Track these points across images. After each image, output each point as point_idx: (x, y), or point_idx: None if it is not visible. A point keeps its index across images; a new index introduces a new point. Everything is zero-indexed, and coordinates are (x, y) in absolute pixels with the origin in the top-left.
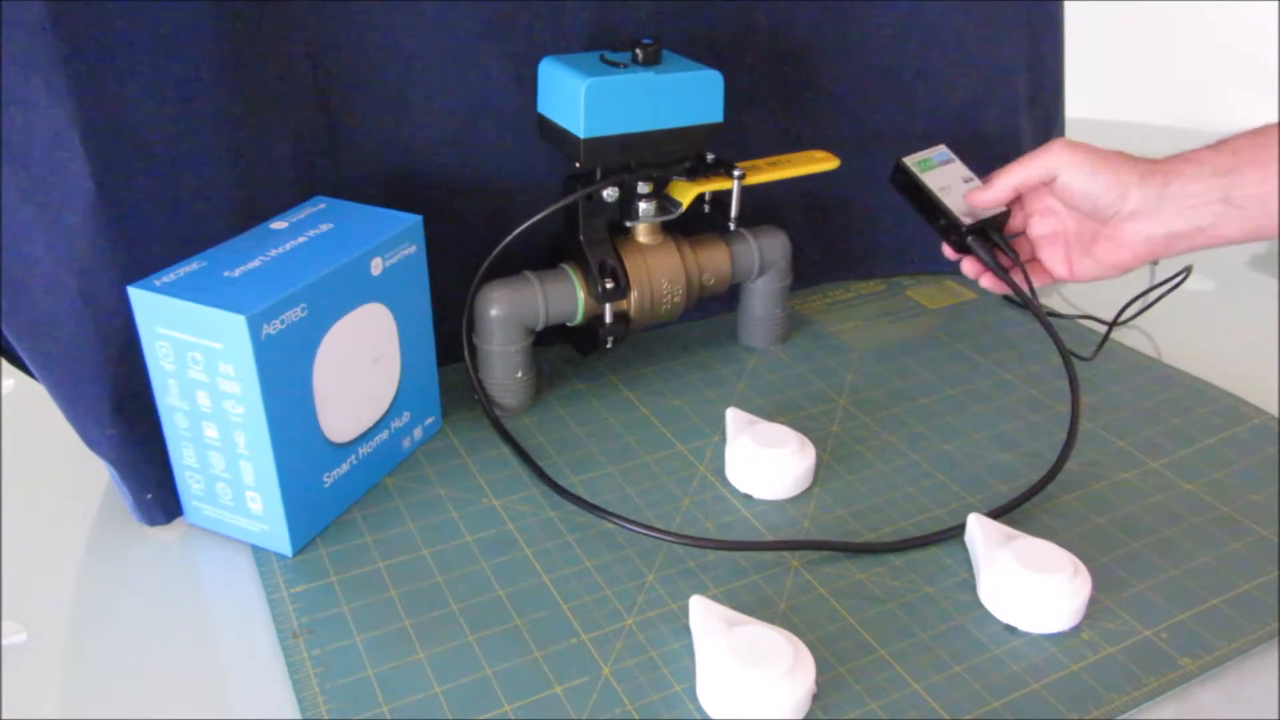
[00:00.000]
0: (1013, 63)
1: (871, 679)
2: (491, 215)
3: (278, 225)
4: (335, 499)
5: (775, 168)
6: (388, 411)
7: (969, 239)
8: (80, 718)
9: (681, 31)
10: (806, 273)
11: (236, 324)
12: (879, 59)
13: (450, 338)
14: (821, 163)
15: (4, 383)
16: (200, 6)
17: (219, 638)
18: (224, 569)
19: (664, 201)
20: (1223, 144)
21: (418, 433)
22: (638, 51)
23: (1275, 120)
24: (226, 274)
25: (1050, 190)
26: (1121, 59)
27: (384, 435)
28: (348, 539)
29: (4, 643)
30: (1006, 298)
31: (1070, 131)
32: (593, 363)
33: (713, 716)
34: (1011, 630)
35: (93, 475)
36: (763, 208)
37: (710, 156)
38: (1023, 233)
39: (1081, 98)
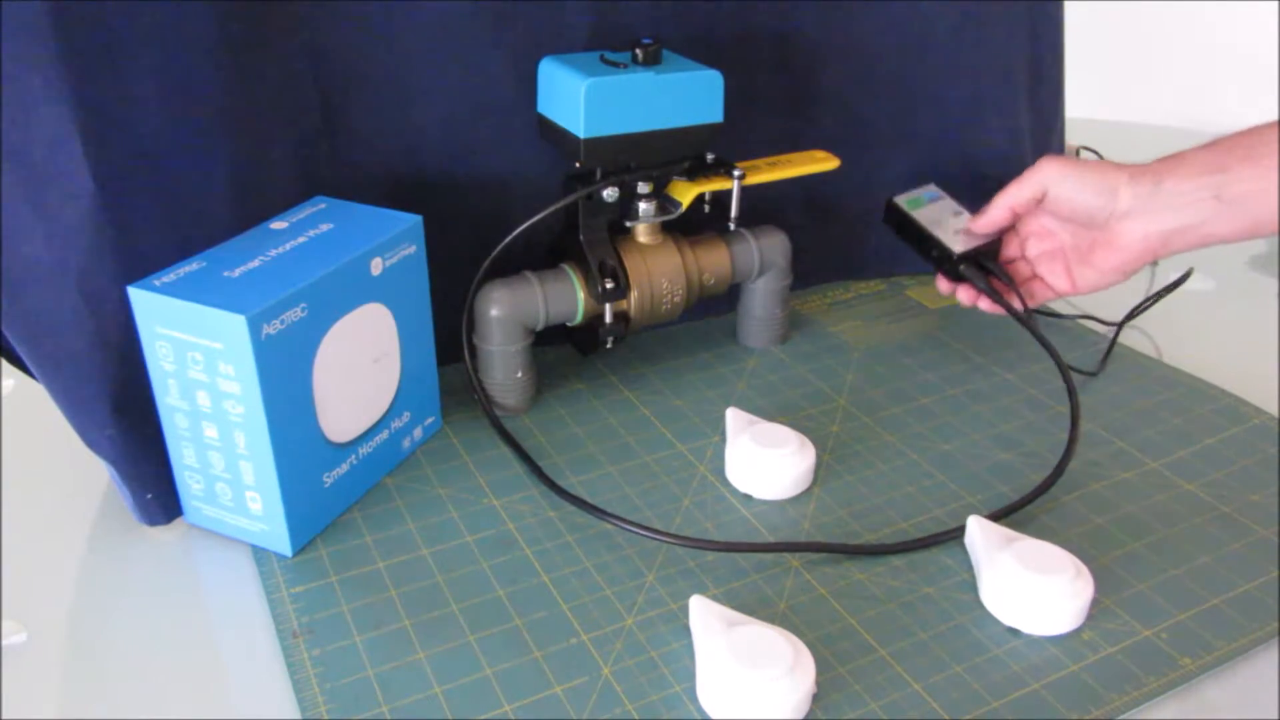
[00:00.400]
0: (1013, 63)
1: (871, 679)
2: (491, 215)
3: (278, 225)
4: (335, 499)
5: (775, 168)
6: (388, 411)
7: (961, 266)
8: (80, 718)
9: (681, 31)
10: (806, 273)
11: (236, 324)
12: (879, 59)
13: (450, 338)
14: (821, 163)
15: (4, 383)
16: (200, 6)
17: (219, 638)
18: (224, 569)
19: (664, 201)
20: (1214, 143)
21: (418, 433)
22: (638, 51)
23: (1272, 120)
24: (226, 274)
25: (1043, 207)
26: (1121, 59)
27: (384, 435)
28: (348, 539)
29: (4, 643)
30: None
31: (1070, 131)
32: (593, 363)
33: (713, 716)
34: (1014, 632)
35: (93, 475)
36: (763, 208)
37: (710, 156)
38: (1021, 256)
39: (1081, 98)
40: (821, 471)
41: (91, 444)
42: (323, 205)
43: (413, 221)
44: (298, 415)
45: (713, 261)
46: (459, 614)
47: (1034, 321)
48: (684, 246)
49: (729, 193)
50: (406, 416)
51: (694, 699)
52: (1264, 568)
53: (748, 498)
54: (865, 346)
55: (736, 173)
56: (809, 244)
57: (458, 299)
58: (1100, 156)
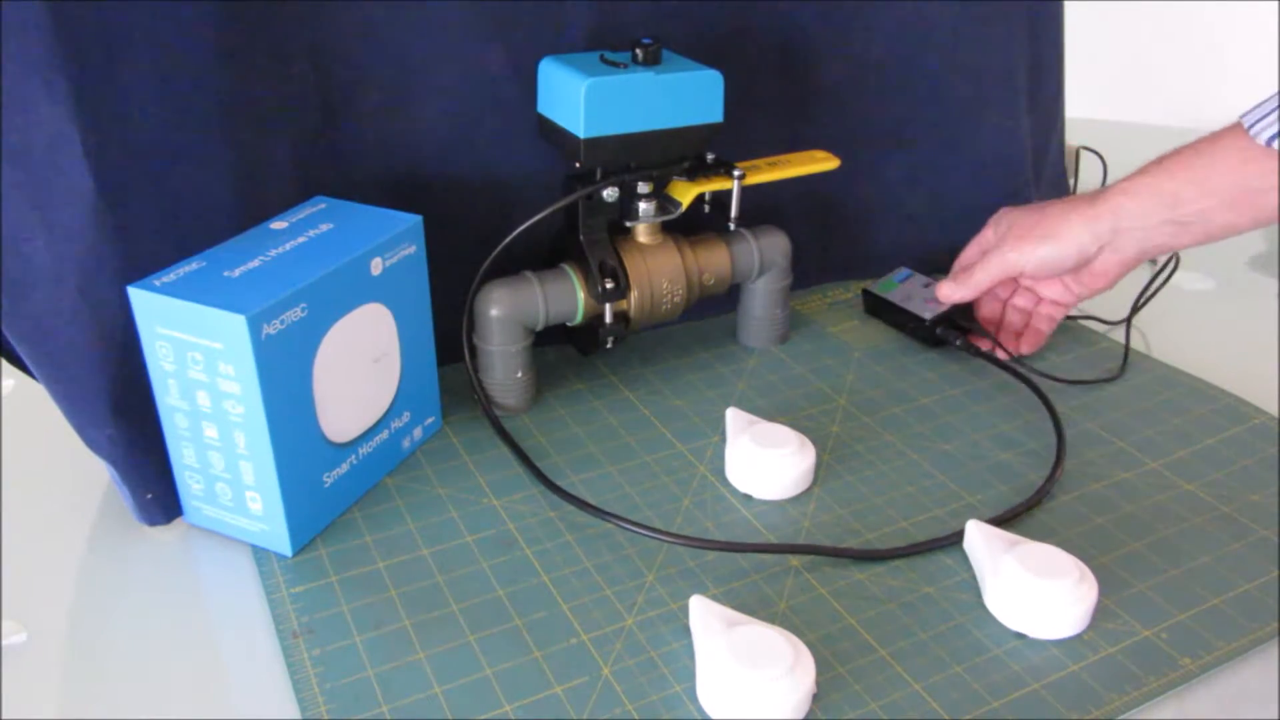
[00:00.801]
0: (1013, 63)
1: (871, 679)
2: (491, 215)
3: (278, 225)
4: (335, 499)
5: (775, 168)
6: (388, 411)
7: (938, 330)
8: (80, 718)
9: (681, 31)
10: (806, 273)
11: (236, 324)
12: (879, 59)
13: (450, 338)
14: (821, 163)
15: (4, 383)
16: (200, 7)
17: (219, 638)
18: (224, 569)
19: (664, 201)
20: (1158, 166)
21: (418, 433)
22: (638, 51)
23: (1208, 132)
24: (226, 274)
25: (1018, 282)
26: (1121, 59)
27: (384, 435)
28: (348, 539)
29: (4, 643)
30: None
31: (1070, 131)
32: (593, 363)
33: (713, 716)
34: (1020, 637)
35: (93, 475)
36: (763, 208)
37: (710, 156)
38: (1006, 306)
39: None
40: (821, 471)
41: (91, 444)
42: (323, 205)
43: (413, 221)
44: (298, 415)
45: (713, 261)
46: (459, 614)
47: (1024, 369)
48: (684, 246)
49: (729, 193)
50: (406, 416)
51: (694, 699)
52: (1264, 568)
53: (748, 498)
54: (865, 346)
55: (736, 173)
56: (809, 244)
57: (458, 299)
58: (1100, 156)
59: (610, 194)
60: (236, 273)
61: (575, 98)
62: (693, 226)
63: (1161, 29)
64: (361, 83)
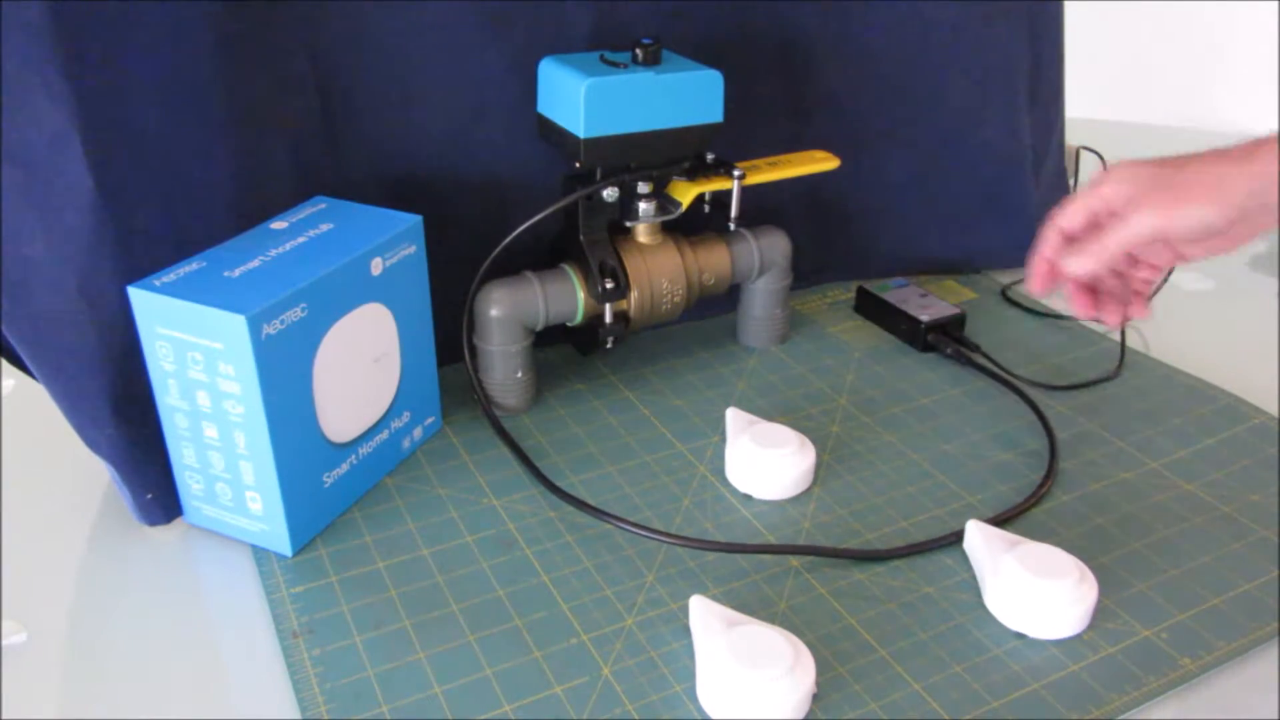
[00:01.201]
0: (1013, 63)
1: (871, 679)
2: (491, 215)
3: (278, 225)
4: (335, 499)
5: (775, 168)
6: (388, 411)
7: (929, 335)
8: (80, 718)
9: (681, 31)
10: (806, 273)
11: (236, 324)
12: (879, 59)
13: (450, 338)
14: (821, 163)
15: (4, 383)
16: (200, 7)
17: (219, 638)
18: (224, 569)
19: (664, 201)
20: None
21: (418, 433)
22: (638, 51)
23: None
24: (226, 274)
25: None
26: (1121, 59)
27: (384, 435)
28: (348, 539)
29: (4, 643)
30: (1004, 297)
31: (1070, 131)
32: (593, 363)
33: (713, 716)
34: (1020, 637)
35: (93, 475)
36: (763, 208)
37: (710, 156)
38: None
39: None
40: (821, 471)
41: (91, 444)
42: (323, 205)
43: (413, 221)
44: (298, 415)
45: (713, 261)
46: (459, 614)
47: (1008, 375)
48: (684, 246)
49: (729, 193)
50: (406, 416)
51: (694, 699)
52: (1264, 568)
53: (748, 498)
54: (865, 346)
55: (736, 173)
56: (809, 244)
57: (458, 299)
58: (1100, 156)
59: (610, 194)
60: (236, 273)
61: (575, 98)
62: (693, 226)
63: (1161, 29)
64: (361, 83)
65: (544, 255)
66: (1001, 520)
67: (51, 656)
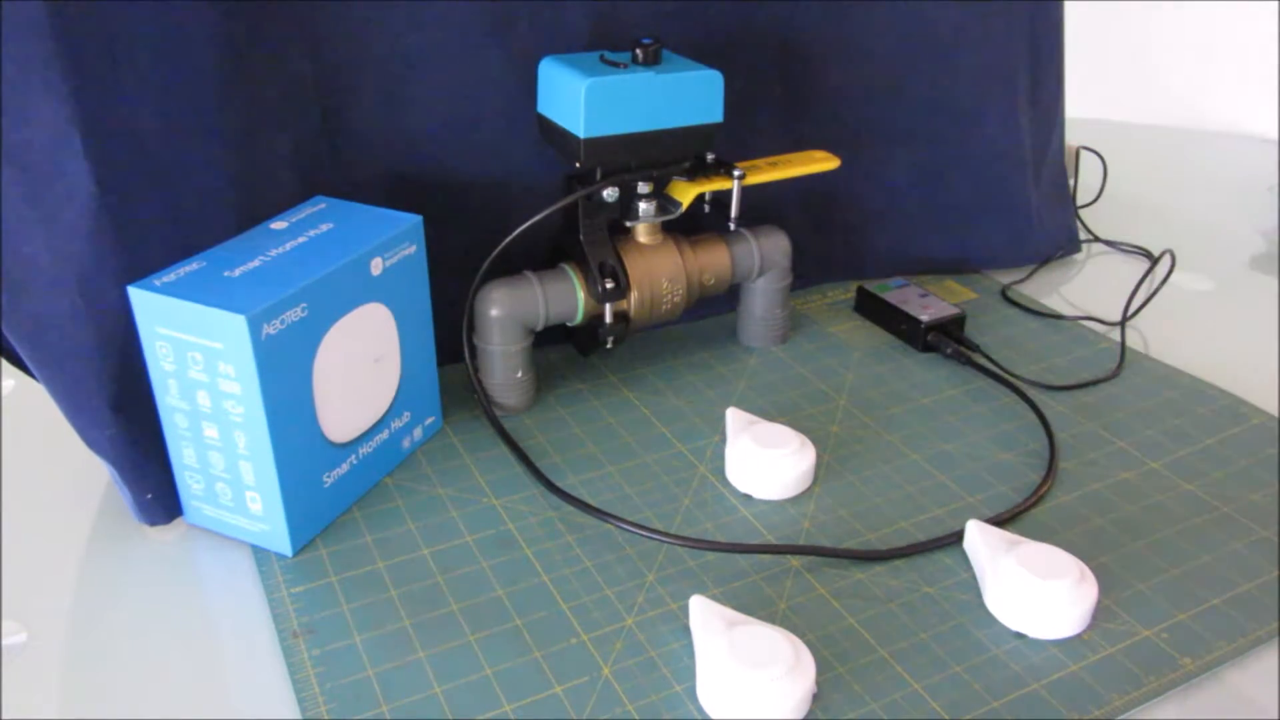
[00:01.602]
0: (1013, 63)
1: (871, 679)
2: (491, 215)
3: (278, 225)
4: (335, 499)
5: (775, 168)
6: (388, 411)
7: (929, 335)
8: (80, 718)
9: (681, 31)
10: (806, 273)
11: (236, 324)
12: (879, 59)
13: (450, 338)
14: (821, 163)
15: (4, 383)
16: (200, 6)
17: (219, 638)
18: (224, 569)
19: (664, 201)
20: None
21: (418, 433)
22: (638, 51)
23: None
24: (226, 274)
25: None
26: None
27: (384, 435)
28: (348, 539)
29: (4, 643)
30: (1004, 297)
31: (1070, 131)
32: (593, 363)
33: (713, 716)
34: (1020, 637)
35: (93, 475)
36: (763, 208)
37: (710, 156)
38: None
39: (1081, 98)
40: (821, 471)
41: (91, 444)
42: (323, 205)
43: (413, 221)
44: (298, 415)
45: (713, 261)
46: (459, 614)
47: (1007, 375)
48: (684, 246)
49: (729, 193)
50: (406, 416)
51: (694, 699)
52: (1264, 568)
53: (748, 498)
54: (865, 346)
55: (736, 173)
56: (809, 244)
57: (458, 299)
58: (1100, 156)
59: (610, 194)
60: (236, 273)
61: (575, 98)
62: (693, 226)
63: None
64: (361, 82)
65: (544, 255)
66: (1001, 520)
67: (51, 656)
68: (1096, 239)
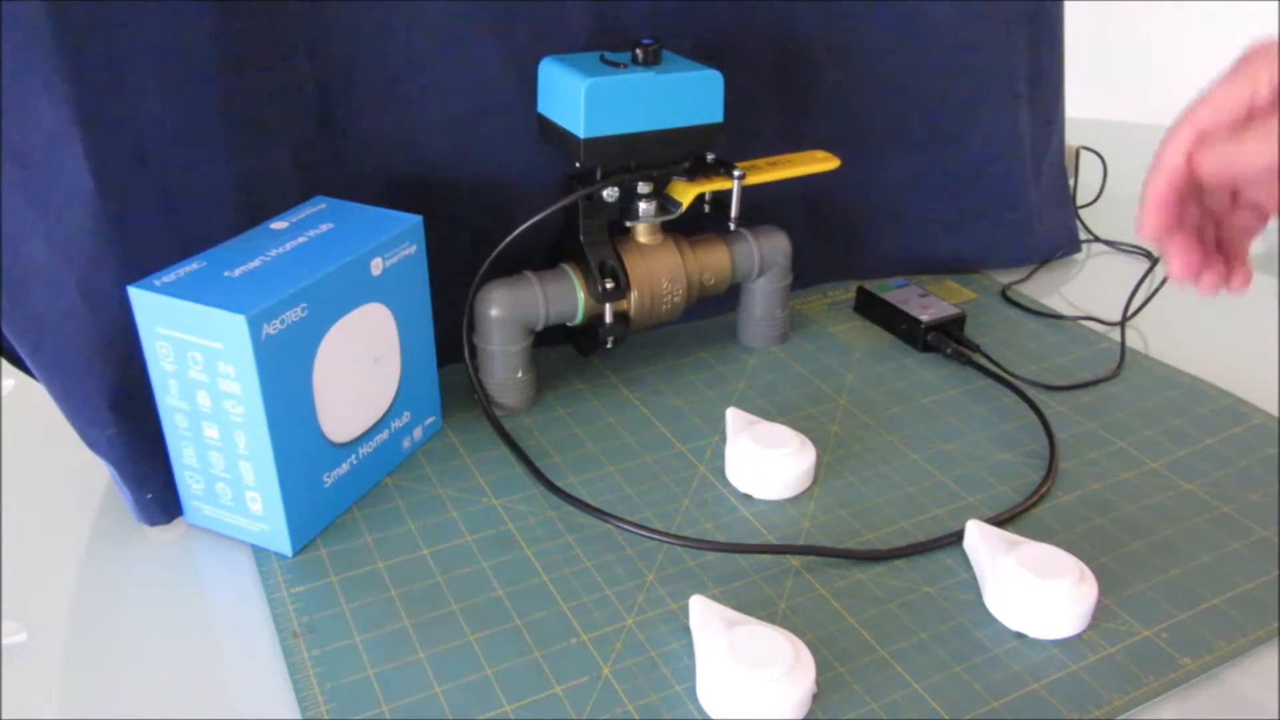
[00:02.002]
0: (1013, 63)
1: (871, 679)
2: (491, 215)
3: (278, 225)
4: (335, 499)
5: (775, 168)
6: (388, 411)
7: (929, 335)
8: (80, 718)
9: (681, 31)
10: (806, 273)
11: (236, 324)
12: (879, 59)
13: (450, 338)
14: (821, 163)
15: (4, 383)
16: (200, 6)
17: (219, 638)
18: (224, 569)
19: (664, 201)
20: None
21: (418, 433)
22: (638, 51)
23: None
24: (226, 274)
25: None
26: (1121, 59)
27: (384, 435)
28: (348, 539)
29: (4, 643)
30: (1004, 297)
31: (1070, 131)
32: (593, 363)
33: (713, 716)
34: (1020, 637)
35: (93, 475)
36: (763, 208)
37: (710, 156)
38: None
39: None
40: (821, 471)
41: (91, 444)
42: (323, 205)
43: (413, 221)
44: (298, 415)
45: (713, 261)
46: (459, 614)
47: (1008, 375)
48: (684, 246)
49: (729, 193)
50: (406, 416)
51: (694, 699)
52: (1264, 568)
53: (748, 498)
54: (865, 346)
55: (736, 173)
56: (809, 244)
57: (458, 299)
58: (1100, 156)
59: (610, 194)
60: (236, 273)
61: (575, 98)
62: (693, 226)
63: (1161, 29)
64: (362, 83)
65: (544, 255)
66: (1001, 520)
67: (51, 656)
68: (1096, 239)
